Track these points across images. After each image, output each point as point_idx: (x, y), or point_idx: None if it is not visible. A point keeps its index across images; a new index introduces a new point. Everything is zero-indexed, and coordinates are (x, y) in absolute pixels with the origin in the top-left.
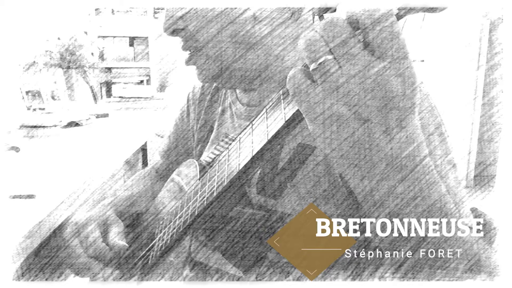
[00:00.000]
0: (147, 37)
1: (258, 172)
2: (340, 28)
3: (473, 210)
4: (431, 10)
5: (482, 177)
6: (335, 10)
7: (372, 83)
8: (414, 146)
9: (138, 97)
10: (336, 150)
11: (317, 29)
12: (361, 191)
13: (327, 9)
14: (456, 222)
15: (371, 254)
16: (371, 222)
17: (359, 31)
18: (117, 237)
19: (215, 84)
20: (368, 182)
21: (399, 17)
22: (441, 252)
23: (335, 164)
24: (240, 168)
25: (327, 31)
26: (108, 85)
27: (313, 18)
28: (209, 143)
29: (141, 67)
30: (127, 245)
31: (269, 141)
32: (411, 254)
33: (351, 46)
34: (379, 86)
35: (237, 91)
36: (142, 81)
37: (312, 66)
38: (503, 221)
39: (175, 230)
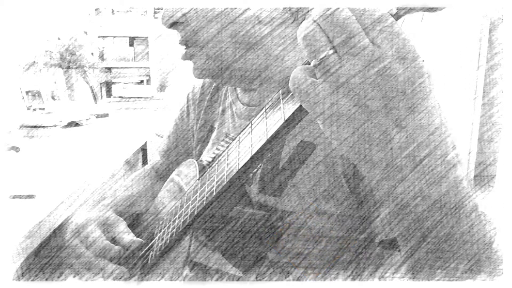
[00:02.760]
0: (147, 37)
1: (260, 171)
2: (346, 24)
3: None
4: (430, 9)
5: (482, 177)
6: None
7: (372, 83)
8: (414, 146)
9: (138, 97)
10: (347, 140)
11: (317, 21)
12: (361, 191)
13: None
14: (456, 221)
15: (371, 254)
16: (371, 222)
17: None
18: (126, 233)
19: (214, 84)
20: (368, 182)
21: (398, 16)
22: (441, 252)
23: (349, 154)
24: (240, 167)
25: (330, 25)
26: (108, 85)
27: None
28: (210, 143)
29: (141, 67)
30: (141, 239)
31: (269, 141)
32: (411, 254)
33: (352, 46)
34: (379, 86)
35: (238, 90)
36: (142, 81)
37: (313, 62)
38: (503, 221)
39: (174, 230)
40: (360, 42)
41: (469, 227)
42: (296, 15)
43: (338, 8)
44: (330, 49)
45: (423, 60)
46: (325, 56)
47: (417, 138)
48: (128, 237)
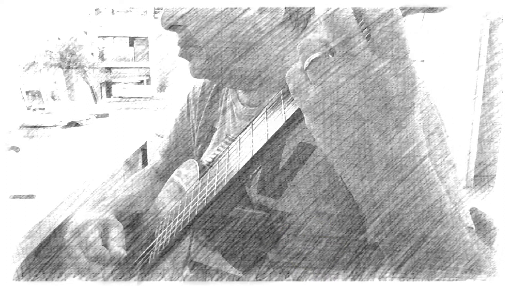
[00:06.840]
0: (147, 37)
1: (259, 172)
2: (345, 26)
3: (473, 210)
4: (431, 10)
5: (482, 177)
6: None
7: (372, 83)
8: (414, 146)
9: (138, 97)
10: (336, 150)
11: (317, 28)
12: (361, 191)
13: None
14: (456, 222)
15: (371, 254)
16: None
17: (363, 28)
18: (116, 241)
19: (215, 84)
20: (368, 182)
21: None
22: (441, 252)
23: (335, 164)
24: (240, 168)
25: (330, 27)
26: (108, 85)
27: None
28: (211, 144)
29: (141, 67)
30: (125, 253)
31: (269, 141)
32: (411, 254)
33: (352, 46)
34: (379, 86)
35: (238, 90)
36: (142, 81)
37: (305, 65)
38: (503, 221)
39: (175, 230)
40: (357, 44)
41: (469, 228)
42: (296, 16)
43: (338, 8)
44: (318, 52)
45: (414, 61)
46: (314, 58)
47: (417, 138)
48: (114, 246)
